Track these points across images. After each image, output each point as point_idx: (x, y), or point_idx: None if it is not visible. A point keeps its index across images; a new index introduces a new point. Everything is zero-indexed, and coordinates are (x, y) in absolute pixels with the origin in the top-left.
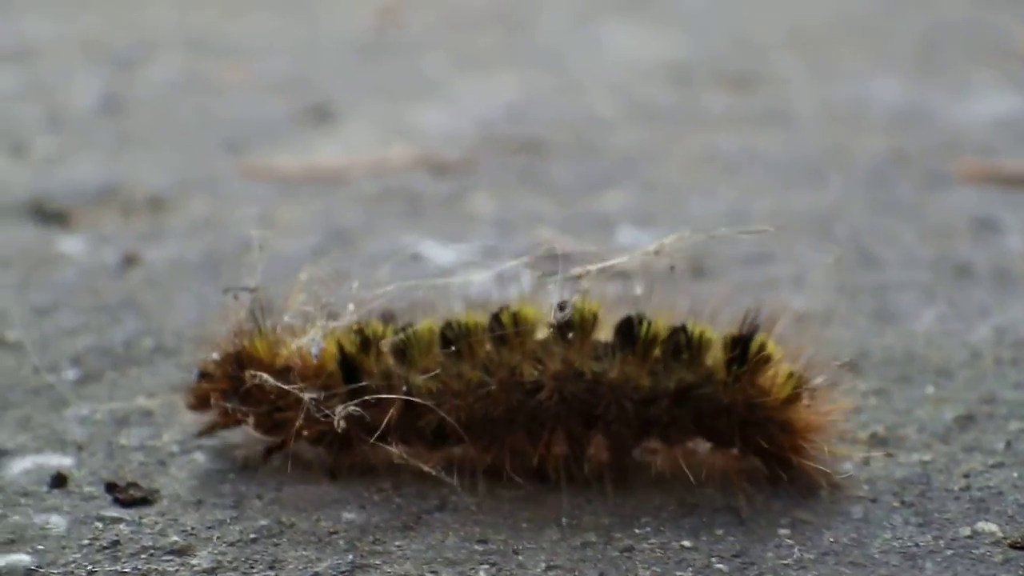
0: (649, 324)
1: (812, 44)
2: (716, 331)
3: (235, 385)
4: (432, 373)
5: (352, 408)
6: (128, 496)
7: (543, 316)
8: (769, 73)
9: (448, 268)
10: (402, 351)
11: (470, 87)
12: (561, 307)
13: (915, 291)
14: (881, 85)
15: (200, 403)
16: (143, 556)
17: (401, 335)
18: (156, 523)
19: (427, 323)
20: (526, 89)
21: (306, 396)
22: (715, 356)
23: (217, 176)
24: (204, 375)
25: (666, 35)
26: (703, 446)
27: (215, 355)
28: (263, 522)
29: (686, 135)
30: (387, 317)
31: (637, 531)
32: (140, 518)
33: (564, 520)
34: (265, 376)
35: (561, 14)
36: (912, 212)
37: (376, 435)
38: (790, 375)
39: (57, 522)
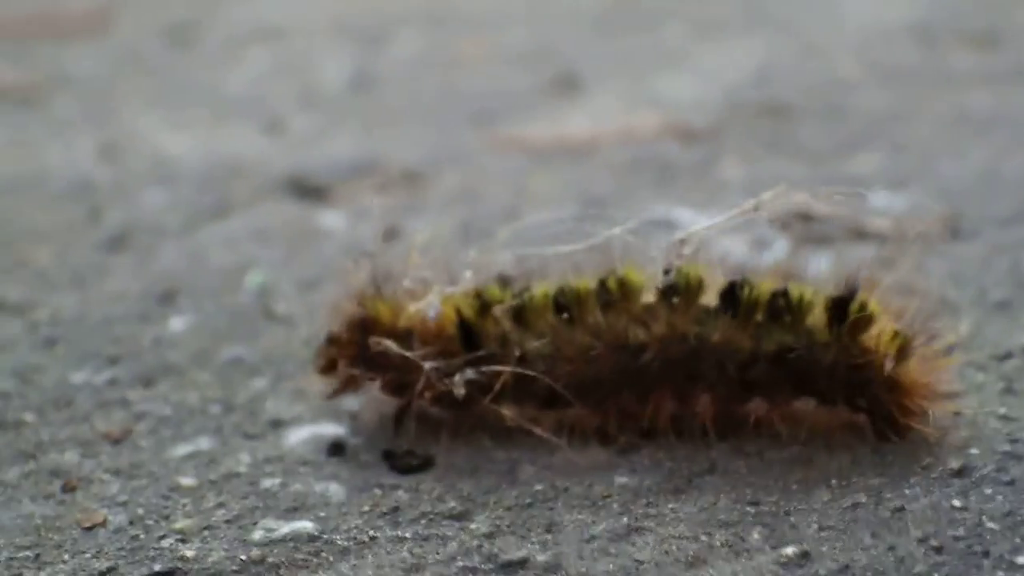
0: (752, 289)
1: None
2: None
3: (361, 350)
4: (545, 339)
5: (469, 374)
6: (405, 463)
7: (650, 281)
8: (1015, 30)
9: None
10: (518, 315)
11: (711, 54)
12: (667, 272)
13: None
14: None
15: (328, 367)
16: (422, 521)
17: (516, 300)
18: (433, 489)
19: (542, 288)
20: (768, 54)
21: (426, 365)
22: (816, 318)
23: (467, 149)
24: (331, 340)
25: None
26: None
27: (341, 321)
28: (538, 487)
29: (933, 96)
30: (504, 281)
31: (907, 491)
32: (418, 485)
33: (833, 481)
34: (388, 342)
35: None
36: None
37: (491, 397)
38: (895, 334)
39: (336, 490)
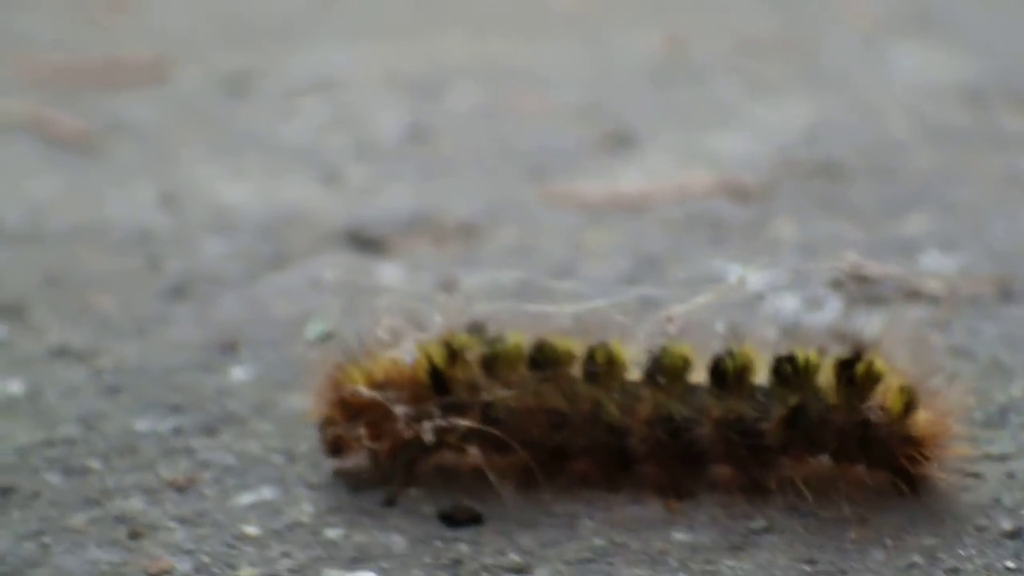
0: (736, 360)
1: None
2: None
3: (344, 408)
4: (513, 391)
5: (437, 421)
6: (462, 516)
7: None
8: None
9: (756, 292)
10: (489, 364)
11: (763, 111)
12: (652, 352)
13: None
14: None
15: (336, 448)
16: (484, 574)
17: (488, 348)
18: (493, 542)
19: (515, 339)
20: (819, 112)
21: (397, 409)
22: (825, 379)
23: (522, 203)
24: (326, 422)
25: (955, 55)
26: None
27: (320, 399)
28: (597, 541)
29: (985, 156)
30: (475, 329)
31: (961, 552)
32: (478, 537)
33: (888, 541)
34: (360, 388)
35: (847, 37)
36: None
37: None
38: (901, 389)
39: (398, 541)
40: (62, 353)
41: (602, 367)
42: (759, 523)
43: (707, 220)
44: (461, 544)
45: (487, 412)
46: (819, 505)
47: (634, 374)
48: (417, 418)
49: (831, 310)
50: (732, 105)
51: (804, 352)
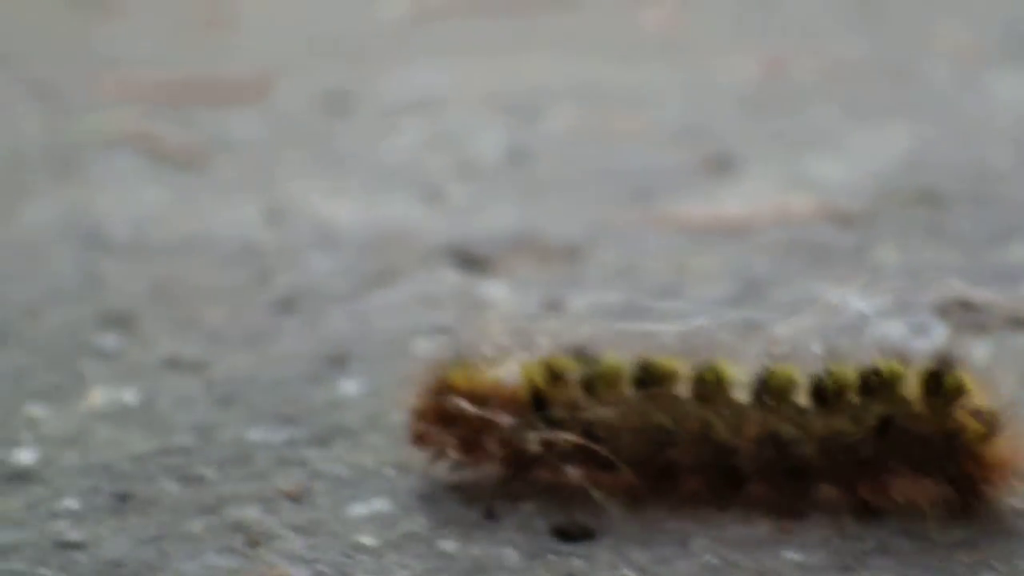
0: (834, 378)
1: None
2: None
3: (441, 415)
4: (614, 409)
5: (539, 435)
6: (575, 531)
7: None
8: None
9: (861, 317)
10: (589, 384)
11: (863, 136)
12: (759, 374)
13: None
14: None
15: (420, 438)
16: None
17: (589, 369)
18: (606, 558)
19: (617, 360)
20: (918, 139)
21: (501, 421)
22: (911, 389)
23: (624, 224)
24: (417, 413)
25: None
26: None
27: (422, 393)
28: (710, 559)
29: None
30: (577, 351)
31: None
32: (590, 552)
33: (996, 563)
34: (463, 402)
35: (945, 63)
36: None
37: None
38: (984, 410)
39: (511, 555)
40: (174, 364)
41: (711, 386)
42: (870, 544)
43: (809, 245)
44: (575, 559)
45: (588, 430)
46: (931, 527)
47: (740, 394)
48: (517, 432)
49: (936, 336)
50: (831, 130)
51: (890, 363)
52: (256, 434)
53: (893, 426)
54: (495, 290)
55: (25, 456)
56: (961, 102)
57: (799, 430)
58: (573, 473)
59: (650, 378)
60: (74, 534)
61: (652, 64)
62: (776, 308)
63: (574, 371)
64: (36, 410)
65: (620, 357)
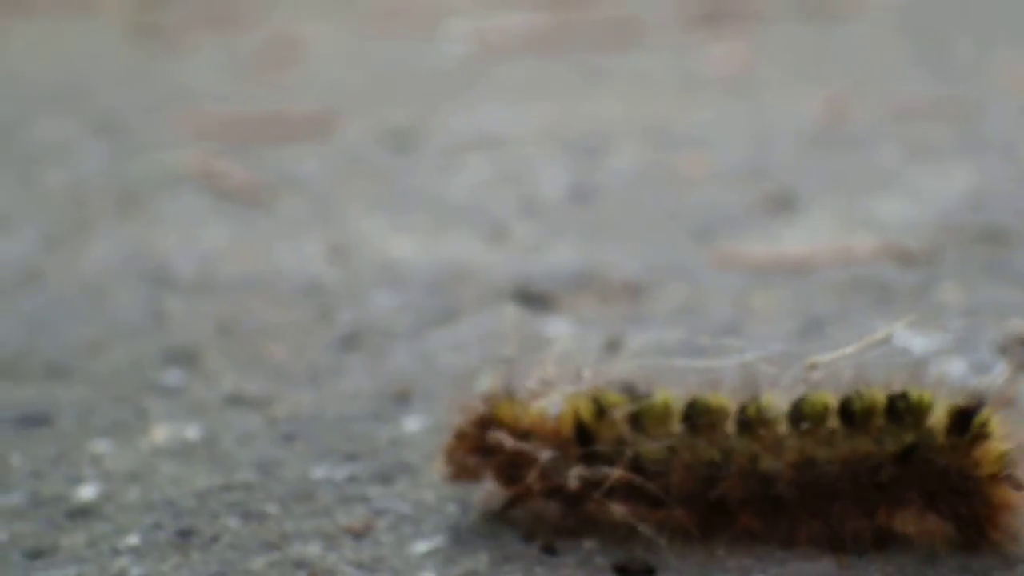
0: (864, 400)
1: None
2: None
3: (481, 444)
4: (662, 444)
5: (581, 471)
6: (636, 567)
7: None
8: None
9: (921, 356)
10: (636, 420)
11: (924, 176)
12: (796, 400)
13: None
14: None
15: (454, 461)
16: None
17: (635, 405)
18: None
19: (664, 396)
20: (981, 178)
21: (542, 456)
22: (936, 421)
23: (686, 263)
24: (458, 435)
25: None
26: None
27: (466, 418)
28: None
29: None
30: (626, 387)
31: None
32: None
33: None
34: (504, 435)
35: (1007, 102)
36: None
37: (601, 493)
38: (1003, 454)
39: None
40: (237, 400)
41: (754, 419)
42: None
43: (872, 283)
44: None
45: (635, 466)
46: (992, 565)
47: (782, 425)
48: (557, 466)
49: (998, 375)
50: (893, 169)
51: (921, 391)
52: (319, 471)
53: (915, 454)
54: (557, 328)
55: (88, 492)
56: None
57: (828, 449)
58: (617, 509)
59: (698, 414)
60: (136, 571)
61: (715, 104)
62: (837, 346)
63: (621, 406)
64: (99, 446)
65: (670, 393)
